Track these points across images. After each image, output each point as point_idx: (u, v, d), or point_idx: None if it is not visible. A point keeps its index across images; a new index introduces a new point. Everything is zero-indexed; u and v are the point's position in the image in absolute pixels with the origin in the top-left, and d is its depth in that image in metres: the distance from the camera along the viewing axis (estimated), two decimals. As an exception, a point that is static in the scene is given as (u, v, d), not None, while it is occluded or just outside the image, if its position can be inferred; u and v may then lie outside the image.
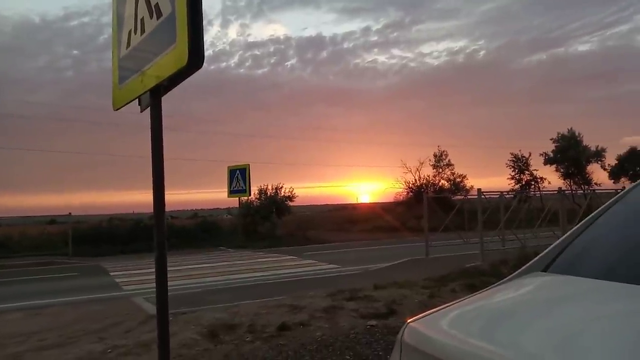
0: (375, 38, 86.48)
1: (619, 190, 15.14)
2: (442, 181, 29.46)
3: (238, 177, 19.89)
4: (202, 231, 20.75)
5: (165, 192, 2.64)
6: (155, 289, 2.54)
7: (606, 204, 1.61)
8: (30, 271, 13.21)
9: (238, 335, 5.23)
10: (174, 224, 21.83)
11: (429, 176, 29.82)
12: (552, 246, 1.51)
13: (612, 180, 31.73)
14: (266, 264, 12.64)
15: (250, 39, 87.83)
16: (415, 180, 29.86)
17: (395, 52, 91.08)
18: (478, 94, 73.42)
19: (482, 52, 76.26)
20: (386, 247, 16.13)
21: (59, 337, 5.60)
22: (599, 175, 31.45)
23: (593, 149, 30.41)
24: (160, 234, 2.74)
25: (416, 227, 22.54)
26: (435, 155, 29.91)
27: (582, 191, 23.11)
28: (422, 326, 1.21)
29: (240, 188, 19.85)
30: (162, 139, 2.68)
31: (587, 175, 30.58)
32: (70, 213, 18.44)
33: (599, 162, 30.91)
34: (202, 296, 8.01)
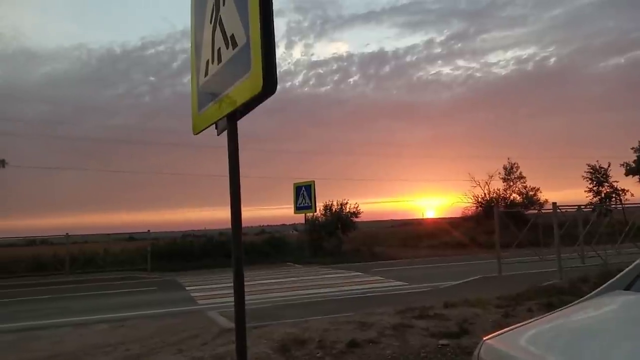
0: (438, 50, 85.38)
1: None
2: (514, 195, 28.27)
3: (304, 194, 20.27)
4: (269, 247, 21.22)
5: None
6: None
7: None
8: (113, 285, 14.11)
9: (308, 351, 5.29)
10: (243, 239, 22.50)
11: (499, 190, 28.75)
12: (635, 263, 1.46)
13: None
14: (333, 280, 12.68)
15: (314, 58, 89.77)
16: (485, 194, 28.88)
17: (460, 63, 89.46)
18: (549, 103, 70.09)
19: (552, 59, 72.99)
20: (455, 264, 15.66)
21: (142, 347, 5.95)
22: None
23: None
24: (237, 249, 2.88)
25: (486, 243, 21.70)
26: (505, 168, 28.85)
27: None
28: (499, 343, 1.21)
29: (306, 204, 20.20)
30: (238, 159, 2.84)
31: (677, 185, 28.11)
32: (149, 230, 19.57)
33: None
34: (272, 311, 8.19)
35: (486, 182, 28.93)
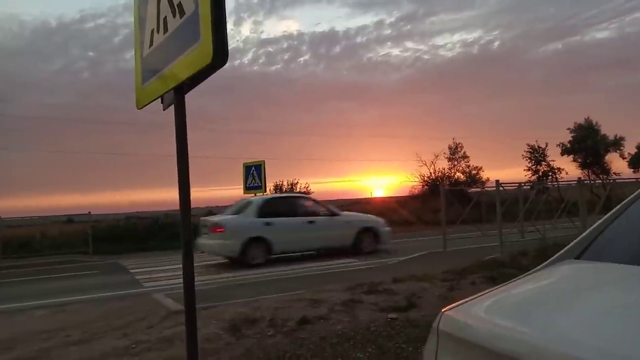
0: (388, 31, 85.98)
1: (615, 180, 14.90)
2: (458, 174, 29.30)
3: (253, 174, 19.99)
4: (218, 228, 20.92)
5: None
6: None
7: (637, 192, 1.60)
8: (52, 269, 13.45)
9: (259, 329, 5.28)
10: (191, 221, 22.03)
11: (444, 169, 29.67)
12: (584, 234, 1.51)
13: (632, 170, 31.20)
14: (283, 259, 12.68)
15: (264, 36, 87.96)
16: (431, 173, 29.73)
17: (409, 44, 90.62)
18: (493, 86, 72.67)
19: (496, 43, 75.46)
20: (402, 241, 16.06)
21: (84, 333, 5.71)
22: (617, 164, 30.99)
23: (611, 138, 29.94)
24: (186, 230, 2.79)
25: (432, 221, 22.43)
26: (450, 148, 29.76)
27: (600, 181, 22.76)
28: (458, 314, 1.22)
29: (256, 184, 19.94)
30: (186, 136, 2.72)
31: (606, 165, 30.15)
32: (90, 212, 18.73)
33: (618, 151, 30.44)
34: (222, 292, 8.09)
35: (432, 162, 29.79)
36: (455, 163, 29.59)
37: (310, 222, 12.21)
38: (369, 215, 13.94)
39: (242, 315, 5.83)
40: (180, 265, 2.69)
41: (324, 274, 9.91)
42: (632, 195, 1.58)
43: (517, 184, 12.80)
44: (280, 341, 4.85)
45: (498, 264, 8.13)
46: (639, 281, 1.20)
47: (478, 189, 21.34)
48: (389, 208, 28.73)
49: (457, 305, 1.28)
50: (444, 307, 1.29)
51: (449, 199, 12.68)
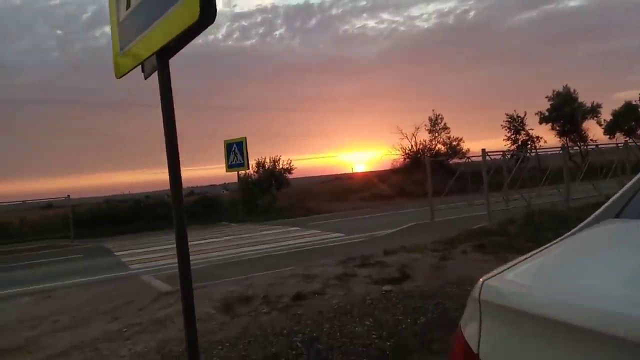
0: (363, 3, 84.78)
1: (619, 145, 15.13)
2: (439, 145, 29.38)
3: (235, 151, 19.71)
4: (201, 208, 20.64)
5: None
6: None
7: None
8: (34, 255, 13.13)
9: (254, 307, 5.19)
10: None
11: (425, 141, 29.72)
12: (621, 191, 1.40)
13: (608, 136, 31.67)
14: (271, 236, 12.60)
15: (237, 10, 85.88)
16: (412, 146, 29.76)
17: (385, 16, 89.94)
18: (470, 56, 72.68)
19: (472, 13, 75.24)
20: (388, 214, 16.12)
21: (72, 318, 5.55)
22: (594, 131, 31.46)
23: (588, 105, 30.29)
24: (178, 207, 2.63)
25: (415, 193, 22.55)
26: (430, 120, 29.76)
27: (577, 148, 23.10)
28: (502, 283, 1.11)
29: (239, 162, 19.70)
30: (172, 105, 2.53)
31: (583, 132, 30.57)
32: (69, 196, 18.27)
33: (595, 119, 30.86)
34: (212, 271, 7.97)
35: (413, 134, 29.79)
36: (436, 135, 29.69)
37: None
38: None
39: (234, 293, 5.73)
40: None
41: (314, 249, 9.86)
42: None
43: (501, 153, 12.84)
44: (276, 318, 4.77)
45: (487, 232, 8.15)
46: None
47: (459, 160, 21.40)
48: (371, 182, 28.83)
49: (497, 274, 1.17)
50: (484, 276, 1.18)
51: (434, 171, 12.67)
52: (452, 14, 76.56)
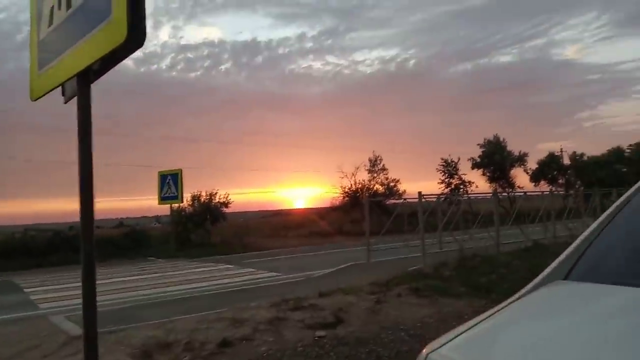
0: (310, 44, 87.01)
1: (545, 192, 16.15)
2: (377, 185, 29.91)
3: (170, 183, 18.98)
4: (129, 241, 19.51)
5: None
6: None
7: (615, 204, 1.46)
8: None
9: (174, 355, 4.78)
10: (98, 233, 20.40)
11: (364, 181, 30.17)
12: (569, 251, 1.33)
13: (533, 184, 33.83)
14: (202, 274, 12.00)
15: (183, 42, 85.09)
16: (351, 185, 30.10)
17: (330, 59, 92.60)
18: (409, 102, 76.07)
19: (412, 61, 79.22)
20: (326, 253, 15.97)
21: (-38, 367, 4.84)
22: (521, 178, 33.51)
23: (516, 154, 32.33)
24: (87, 242, 2.36)
25: (353, 232, 22.65)
26: (370, 160, 30.34)
27: (506, 194, 24.37)
28: (445, 354, 0.97)
29: (172, 194, 18.95)
30: (91, 133, 2.28)
31: (511, 179, 32.45)
32: (-23, 224, 16.65)
33: (522, 167, 32.93)
34: (133, 312, 7.37)
35: (353, 174, 30.19)
36: (375, 175, 30.22)
37: None
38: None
39: (154, 339, 5.27)
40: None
41: (247, 289, 9.45)
42: (612, 208, 1.43)
43: (436, 196, 13.19)
44: (199, 367, 4.39)
45: (422, 275, 8.18)
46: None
47: (397, 200, 21.85)
48: (310, 219, 28.71)
49: (442, 345, 1.03)
50: (428, 346, 1.03)
51: (371, 210, 12.76)
52: (394, 61, 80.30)
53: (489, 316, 1.14)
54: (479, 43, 79.31)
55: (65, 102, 2.57)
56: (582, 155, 35.00)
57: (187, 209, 21.51)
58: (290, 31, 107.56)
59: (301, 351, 4.74)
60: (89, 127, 2.25)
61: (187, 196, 20.63)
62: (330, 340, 5.04)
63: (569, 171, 34.85)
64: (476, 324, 1.11)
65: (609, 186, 20.29)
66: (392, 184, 29.67)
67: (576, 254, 1.32)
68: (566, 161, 35.07)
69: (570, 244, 1.39)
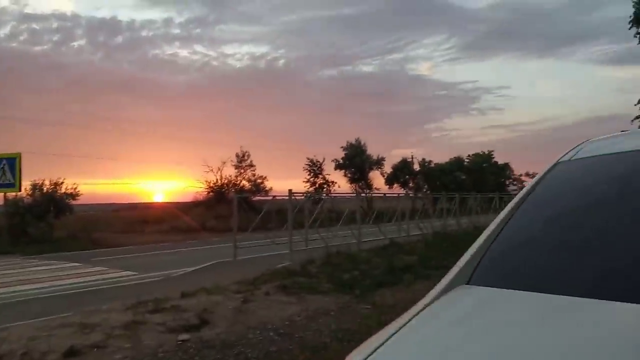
0: (177, 31, 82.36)
1: (400, 194, 17.50)
2: (244, 181, 29.60)
3: (5, 169, 16.45)
4: (-52, 234, 16.42)
5: None
6: None
7: (514, 201, 1.49)
8: None
9: (7, 370, 4.05)
10: None
11: (230, 176, 29.62)
12: (468, 256, 1.30)
13: (388, 186, 36.57)
14: (42, 274, 10.53)
15: (28, 10, 74.39)
16: (217, 180, 29.32)
17: (198, 48, 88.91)
18: (277, 100, 76.48)
19: (282, 61, 79.73)
20: (187, 250, 15.23)
21: None
22: (378, 181, 36.03)
23: (375, 157, 34.64)
24: None
25: (218, 228, 22.02)
26: (237, 156, 29.90)
27: (367, 194, 25.94)
28: None
29: (8, 181, 16.45)
30: None
31: (369, 181, 34.68)
32: None
33: (379, 170, 35.39)
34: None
35: (219, 168, 29.45)
36: (242, 171, 29.87)
37: None
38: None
39: (-21, 351, 4.41)
40: None
41: (97, 290, 8.52)
42: (510, 206, 1.45)
43: (304, 194, 13.41)
44: (37, 383, 3.76)
45: (290, 272, 8.18)
46: (546, 314, 1.03)
47: (265, 197, 21.84)
48: (170, 214, 27.23)
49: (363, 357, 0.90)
50: (349, 355, 0.90)
51: (240, 207, 12.48)
52: (264, 58, 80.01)
53: (402, 327, 1.04)
54: (346, 51, 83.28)
55: None
56: (430, 162, 38.89)
57: (25, 199, 18.86)
58: (155, 14, 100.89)
59: (162, 357, 4.36)
60: None
61: (26, 184, 18.08)
62: (194, 343, 4.73)
63: (418, 176, 38.39)
64: (388, 334, 1.01)
65: (452, 191, 22.77)
66: (259, 180, 29.63)
67: (477, 256, 1.30)
68: (416, 167, 38.60)
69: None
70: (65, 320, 5.45)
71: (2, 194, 16.76)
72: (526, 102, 78.46)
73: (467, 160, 41.49)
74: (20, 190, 17.22)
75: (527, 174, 42.48)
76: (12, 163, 16.29)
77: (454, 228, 16.81)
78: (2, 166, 16.35)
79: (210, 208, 26.99)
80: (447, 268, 1.34)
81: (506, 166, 42.94)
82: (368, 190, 31.64)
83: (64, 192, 20.09)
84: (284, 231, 12.08)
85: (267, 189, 28.91)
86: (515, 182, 43.13)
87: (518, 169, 44.39)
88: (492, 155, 42.01)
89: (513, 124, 75.94)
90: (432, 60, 74.38)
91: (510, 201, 1.52)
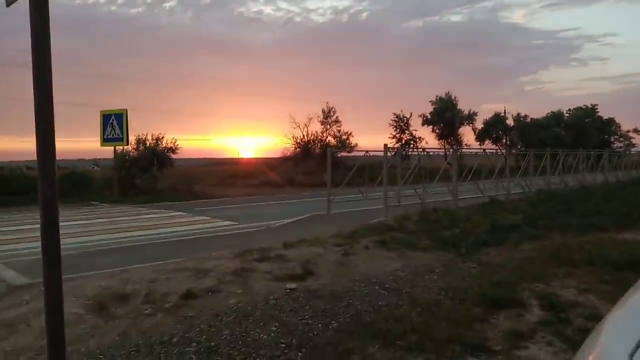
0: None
1: (496, 152, 16.40)
2: (330, 137, 29.66)
3: (113, 124, 17.70)
4: (69, 184, 18.22)
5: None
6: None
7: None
8: None
9: (134, 307, 4.37)
10: (32, 175, 18.92)
11: (317, 132, 29.80)
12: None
13: (479, 142, 34.79)
14: (152, 221, 11.39)
15: (122, -27, 78.18)
16: (304, 135, 29.66)
17: (282, 4, 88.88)
18: (361, 55, 75.04)
19: (365, 14, 77.56)
20: (281, 203, 15.66)
21: None
22: (468, 136, 34.37)
23: (466, 112, 32.90)
24: (49, 188, 1.90)
25: (305, 183, 22.44)
26: (323, 112, 29.89)
27: (465, 150, 24.87)
28: None
29: (117, 136, 17.74)
30: (48, 40, 1.75)
31: (459, 137, 33.18)
32: None
33: (470, 125, 33.65)
34: (80, 259, 6.78)
35: (305, 124, 29.70)
36: (328, 127, 29.90)
37: None
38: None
39: (109, 289, 4.81)
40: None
41: (204, 238, 9.01)
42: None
43: (395, 150, 13.08)
44: (163, 321, 4.02)
45: (387, 227, 8.06)
46: None
47: (350, 153, 21.67)
48: (259, 169, 28.15)
49: None
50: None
51: (334, 162, 12.49)
52: (347, 12, 78.23)
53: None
54: (431, 0, 78.80)
55: (9, 4, 2.00)
56: (525, 117, 36.24)
57: (131, 152, 20.34)
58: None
59: (274, 304, 4.46)
60: (45, 29, 1.71)
61: (131, 139, 19.45)
62: (302, 292, 4.80)
63: (512, 131, 36.07)
64: None
65: (550, 147, 21.11)
66: (344, 136, 29.52)
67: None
68: (510, 122, 36.23)
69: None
70: (180, 264, 5.79)
71: (113, 148, 18.14)
72: (637, 51, 70.00)
73: (567, 115, 38.21)
74: (127, 144, 18.54)
75: (636, 130, 38.39)
76: (120, 118, 17.49)
77: (558, 186, 15.72)
78: (111, 121, 17.61)
79: (298, 163, 27.49)
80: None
81: (611, 121, 39.03)
82: (457, 146, 30.36)
83: (165, 147, 21.39)
84: (376, 187, 11.93)
85: (352, 145, 28.77)
86: (622, 139, 39.21)
87: (625, 125, 40.27)
88: (596, 109, 38.30)
89: (620, 75, 68.54)
90: (528, 7, 68.17)
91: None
